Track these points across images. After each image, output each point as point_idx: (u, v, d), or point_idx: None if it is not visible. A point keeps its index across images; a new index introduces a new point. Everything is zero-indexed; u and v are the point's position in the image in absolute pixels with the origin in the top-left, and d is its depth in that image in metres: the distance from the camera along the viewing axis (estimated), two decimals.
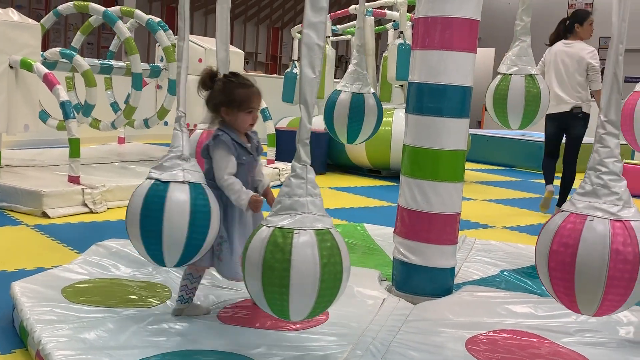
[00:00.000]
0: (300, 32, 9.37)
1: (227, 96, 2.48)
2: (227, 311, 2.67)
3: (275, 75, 14.08)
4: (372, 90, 3.78)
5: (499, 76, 3.32)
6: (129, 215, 2.33)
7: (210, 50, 6.89)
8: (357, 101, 3.69)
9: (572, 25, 5.62)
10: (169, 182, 2.28)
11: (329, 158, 7.83)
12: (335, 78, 9.95)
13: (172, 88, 6.51)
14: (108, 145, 7.86)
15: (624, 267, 1.87)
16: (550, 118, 5.62)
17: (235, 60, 7.16)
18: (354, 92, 3.69)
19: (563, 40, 5.65)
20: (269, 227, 1.96)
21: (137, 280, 2.98)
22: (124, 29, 6.25)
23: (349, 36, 9.54)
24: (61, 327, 2.35)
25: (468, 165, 8.78)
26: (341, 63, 16.06)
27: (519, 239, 4.73)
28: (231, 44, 10.84)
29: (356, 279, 3.10)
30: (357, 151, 7.50)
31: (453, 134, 2.88)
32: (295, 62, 9.10)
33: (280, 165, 6.78)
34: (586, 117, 5.57)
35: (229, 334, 2.44)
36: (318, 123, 8.17)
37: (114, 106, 7.16)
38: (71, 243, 3.92)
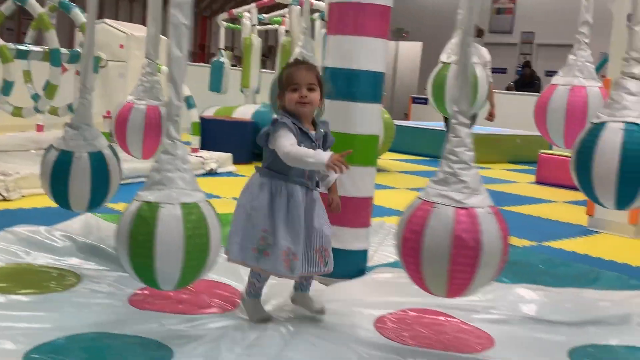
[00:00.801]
0: (226, 20, 9.35)
1: (278, 81, 2.42)
2: (137, 295, 2.65)
3: (202, 64, 13.93)
4: None
5: (440, 65, 3.38)
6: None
7: (132, 35, 6.76)
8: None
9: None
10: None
11: (255, 147, 7.80)
12: (262, 68, 9.94)
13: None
14: (26, 133, 7.61)
15: (465, 253, 1.93)
16: None
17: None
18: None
19: None
20: (138, 201, 2.04)
21: (48, 266, 2.92)
22: (36, 5, 6.06)
23: (275, 25, 9.52)
24: None
25: (393, 155, 8.96)
26: (271, 53, 16.02)
27: None
28: (163, 34, 10.63)
29: None
30: None
31: (365, 118, 2.93)
32: (222, 50, 9.02)
33: (205, 154, 6.72)
34: None
35: (139, 318, 2.42)
36: (244, 111, 8.18)
37: (35, 97, 6.94)
38: None
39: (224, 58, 8.95)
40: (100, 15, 12.47)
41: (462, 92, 2.06)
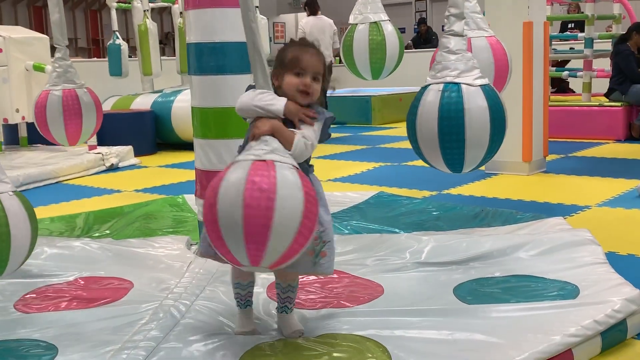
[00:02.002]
0: (118, 2, 9.06)
1: (277, 58, 2.09)
2: (23, 300, 2.58)
3: (98, 59, 13.53)
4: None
5: (349, 27, 3.38)
6: None
7: (10, 38, 6.50)
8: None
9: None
10: None
11: (158, 137, 7.67)
12: (163, 55, 9.71)
13: None
14: None
15: (260, 195, 1.75)
16: None
17: (39, 47, 6.81)
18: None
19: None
20: None
21: None
22: None
23: (167, 4, 9.33)
24: None
25: None
26: (168, 40, 15.70)
27: (339, 188, 4.90)
28: (46, 32, 10.19)
29: (163, 247, 3.12)
30: (184, 127, 7.38)
31: (237, 90, 2.90)
32: (116, 32, 8.76)
33: (103, 149, 6.56)
34: None
35: (26, 322, 2.36)
36: (143, 102, 8.00)
37: None
38: None
39: (120, 40, 8.68)
40: None
41: (257, 69, 1.98)
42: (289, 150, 1.91)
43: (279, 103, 1.96)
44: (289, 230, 1.78)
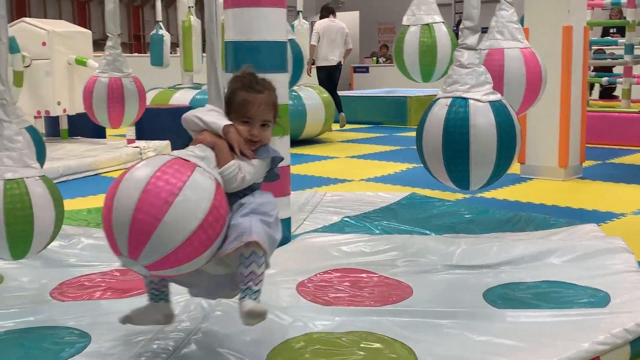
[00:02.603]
0: None
1: (226, 98, 2.02)
2: (59, 288, 2.65)
3: (139, 54, 13.73)
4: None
5: (401, 28, 3.38)
6: None
7: (54, 32, 6.64)
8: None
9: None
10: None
11: None
12: (204, 52, 9.74)
13: None
14: None
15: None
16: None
17: (82, 42, 6.95)
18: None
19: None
20: None
21: None
22: None
23: None
24: None
25: (335, 126, 8.99)
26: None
27: (371, 188, 4.91)
28: (88, 27, 10.36)
29: None
30: None
31: None
32: (160, 23, 8.87)
33: (142, 144, 6.67)
34: None
35: (61, 309, 2.42)
36: (182, 97, 8.09)
37: None
38: None
39: (163, 31, 8.79)
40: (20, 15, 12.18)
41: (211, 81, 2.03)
42: (219, 169, 1.87)
43: (222, 122, 1.92)
44: (178, 233, 1.68)
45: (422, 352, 1.99)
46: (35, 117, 6.71)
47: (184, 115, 2.00)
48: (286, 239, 3.07)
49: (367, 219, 3.56)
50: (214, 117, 1.95)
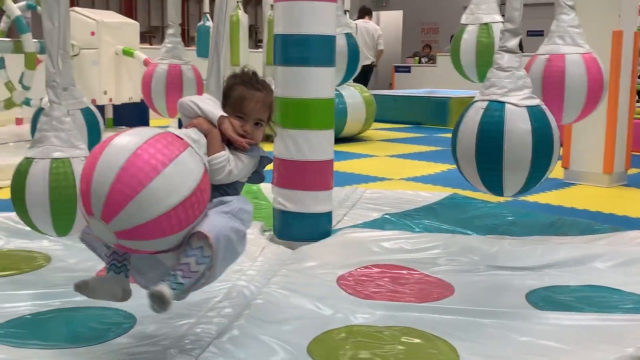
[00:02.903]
0: None
1: (225, 89, 2.05)
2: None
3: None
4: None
5: (460, 27, 3.36)
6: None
7: (102, 22, 6.75)
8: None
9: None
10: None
11: None
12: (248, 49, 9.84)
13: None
14: (5, 127, 7.62)
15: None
16: None
17: (129, 33, 7.05)
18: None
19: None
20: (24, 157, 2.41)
21: (19, 250, 2.97)
22: (12, 6, 6.04)
23: None
24: None
25: (375, 125, 8.98)
26: (252, 33, 15.94)
27: (411, 187, 4.89)
28: (135, 18, 10.50)
29: None
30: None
31: (320, 82, 2.96)
32: (207, 15, 8.94)
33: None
34: None
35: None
36: None
37: (10, 85, 6.94)
38: None
39: (210, 22, 8.86)
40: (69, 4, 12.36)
41: (212, 68, 2.09)
42: (208, 157, 1.85)
43: (219, 112, 1.92)
44: (158, 204, 1.64)
45: (464, 350, 1.99)
46: None
47: (181, 100, 2.00)
48: (327, 232, 3.09)
49: (408, 217, 3.55)
50: (211, 106, 1.95)
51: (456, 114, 9.98)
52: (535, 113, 2.56)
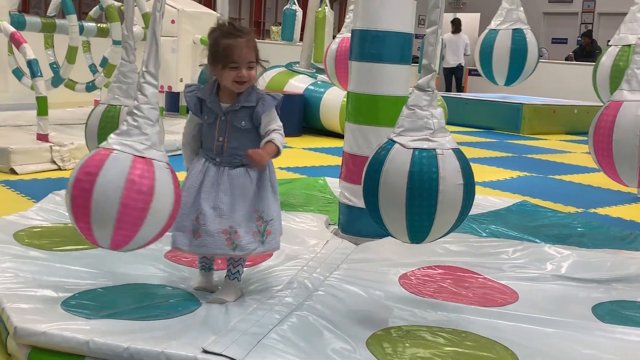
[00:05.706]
0: None
1: (210, 49, 2.19)
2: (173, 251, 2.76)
3: (258, 40, 14.01)
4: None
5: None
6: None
7: (183, 11, 6.91)
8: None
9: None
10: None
11: (304, 121, 7.88)
12: None
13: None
14: (84, 108, 7.89)
15: (137, 197, 1.93)
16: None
17: (208, 22, 7.19)
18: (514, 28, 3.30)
19: None
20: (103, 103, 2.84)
21: None
22: None
23: None
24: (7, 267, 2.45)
25: (448, 128, 8.89)
26: (339, 29, 15.96)
27: (480, 192, 4.81)
28: (213, 9, 10.69)
29: (303, 222, 3.22)
30: (330, 116, 7.53)
31: (393, 79, 2.96)
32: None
33: None
34: None
35: (173, 271, 2.54)
36: (297, 85, 8.21)
37: (92, 68, 7.16)
38: (36, 197, 3.99)
39: (296, 6, 8.90)
40: None
41: (151, 54, 2.09)
42: (279, 151, 2.21)
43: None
44: (157, 227, 2.00)
45: (524, 358, 1.95)
46: (159, 92, 7.02)
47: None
48: None
49: (475, 221, 3.51)
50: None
51: (529, 121, 9.84)
52: (420, 157, 2.13)
